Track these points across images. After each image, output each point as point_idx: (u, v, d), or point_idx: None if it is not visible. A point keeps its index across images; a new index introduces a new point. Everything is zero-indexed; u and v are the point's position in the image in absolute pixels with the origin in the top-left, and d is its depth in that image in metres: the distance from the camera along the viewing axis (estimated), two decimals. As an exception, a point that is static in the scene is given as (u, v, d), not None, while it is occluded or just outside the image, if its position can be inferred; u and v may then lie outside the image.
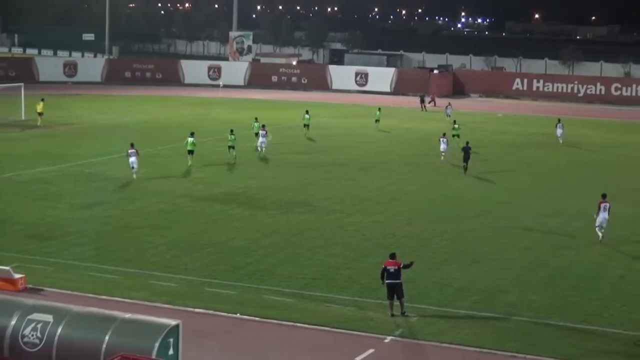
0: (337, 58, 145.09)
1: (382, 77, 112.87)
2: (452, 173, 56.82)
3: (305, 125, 73.50)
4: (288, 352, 27.11)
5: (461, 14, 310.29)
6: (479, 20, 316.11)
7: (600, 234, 40.61)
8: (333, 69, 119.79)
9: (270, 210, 45.03)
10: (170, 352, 22.19)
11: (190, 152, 56.91)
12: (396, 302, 30.13)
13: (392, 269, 30.21)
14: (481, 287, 33.52)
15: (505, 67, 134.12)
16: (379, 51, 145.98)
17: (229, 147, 59.45)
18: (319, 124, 79.14)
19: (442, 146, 62.21)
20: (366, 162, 60.30)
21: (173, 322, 22.64)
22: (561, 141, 70.69)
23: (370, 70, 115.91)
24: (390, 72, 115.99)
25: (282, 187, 51.07)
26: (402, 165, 59.21)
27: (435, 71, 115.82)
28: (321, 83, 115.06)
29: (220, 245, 38.14)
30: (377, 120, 78.22)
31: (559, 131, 71.33)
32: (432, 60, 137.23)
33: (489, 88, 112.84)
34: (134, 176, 51.96)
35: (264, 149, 62.30)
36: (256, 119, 68.04)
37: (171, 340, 22.27)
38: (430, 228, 42.20)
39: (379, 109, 79.37)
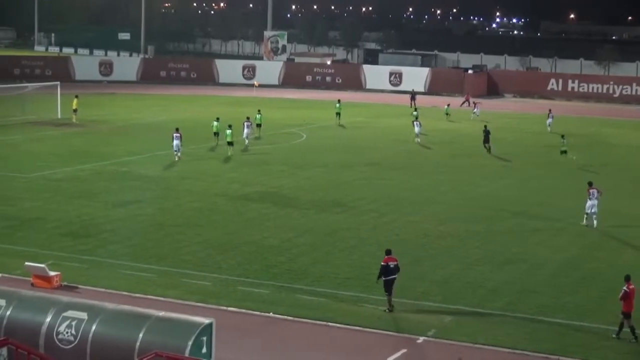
0: (372, 58, 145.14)
1: (416, 77, 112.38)
2: (486, 174, 56.63)
3: (337, 113, 79.06)
4: (320, 352, 27.15)
5: (496, 14, 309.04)
6: (514, 20, 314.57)
7: (586, 221, 42.86)
8: (367, 68, 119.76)
9: (304, 209, 45.09)
10: (204, 350, 22.28)
11: (230, 143, 60.34)
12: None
13: (392, 264, 30.74)
14: (514, 288, 33.41)
15: (540, 68, 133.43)
16: (414, 51, 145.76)
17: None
18: (353, 123, 79.37)
19: (416, 129, 68.78)
20: (400, 161, 60.24)
21: (206, 321, 22.73)
22: (549, 130, 76.17)
23: (404, 70, 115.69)
24: (425, 72, 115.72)
25: (316, 186, 51.13)
26: (436, 166, 59.08)
27: (470, 71, 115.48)
28: (355, 83, 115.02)
29: (254, 244, 38.23)
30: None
31: (548, 121, 77.60)
32: (467, 60, 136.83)
33: (524, 88, 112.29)
34: (176, 158, 57.70)
35: (247, 140, 64.69)
36: (259, 111, 72.24)
37: (204, 338, 22.36)
38: (464, 228, 42.10)
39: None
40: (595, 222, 42.63)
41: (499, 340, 28.02)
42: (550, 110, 79.55)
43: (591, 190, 43.06)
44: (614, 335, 28.36)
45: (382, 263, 30.86)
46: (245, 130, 64.58)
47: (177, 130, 58.61)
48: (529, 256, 37.73)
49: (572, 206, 46.53)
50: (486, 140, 64.19)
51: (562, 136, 62.32)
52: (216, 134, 63.89)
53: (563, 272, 35.60)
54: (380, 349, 27.28)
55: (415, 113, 75.47)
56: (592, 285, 34.00)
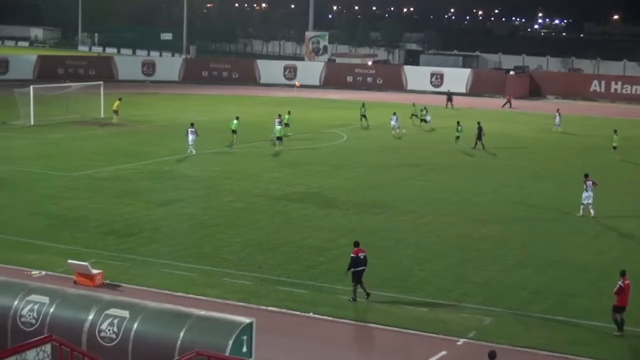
0: (413, 58, 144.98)
1: (457, 78, 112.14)
2: (525, 175, 56.35)
3: (362, 116, 78.69)
4: (360, 353, 27.23)
5: (538, 14, 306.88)
6: (557, 21, 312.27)
7: (582, 211, 45.05)
8: (408, 69, 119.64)
9: (345, 210, 45.15)
10: (244, 349, 22.38)
11: (279, 138, 62.87)
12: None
13: (362, 255, 31.38)
14: (555, 291, 33.29)
15: (582, 69, 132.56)
16: (455, 52, 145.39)
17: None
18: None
19: (392, 123, 72.50)
20: (439, 162, 60.12)
21: (247, 320, 22.81)
22: (559, 129, 77.66)
23: (445, 71, 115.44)
24: (466, 73, 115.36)
25: (356, 187, 51.17)
26: (475, 167, 58.92)
27: (512, 72, 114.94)
28: (396, 83, 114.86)
29: (294, 245, 38.37)
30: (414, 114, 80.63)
31: (556, 120, 78.70)
32: (509, 61, 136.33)
33: (566, 90, 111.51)
34: (190, 151, 59.90)
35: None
36: (289, 112, 72.55)
37: (245, 337, 22.45)
38: (505, 230, 41.97)
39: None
40: (592, 211, 44.78)
41: (539, 343, 27.94)
42: (558, 110, 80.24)
43: (587, 182, 45.13)
44: (615, 334, 28.73)
45: (352, 255, 31.40)
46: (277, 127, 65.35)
47: (192, 125, 61.31)
48: (570, 259, 37.54)
49: (613, 209, 46.30)
50: (479, 137, 66.49)
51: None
52: (234, 131, 64.41)
53: (604, 276, 35.33)
54: (420, 351, 27.29)
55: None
56: (634, 289, 33.67)
